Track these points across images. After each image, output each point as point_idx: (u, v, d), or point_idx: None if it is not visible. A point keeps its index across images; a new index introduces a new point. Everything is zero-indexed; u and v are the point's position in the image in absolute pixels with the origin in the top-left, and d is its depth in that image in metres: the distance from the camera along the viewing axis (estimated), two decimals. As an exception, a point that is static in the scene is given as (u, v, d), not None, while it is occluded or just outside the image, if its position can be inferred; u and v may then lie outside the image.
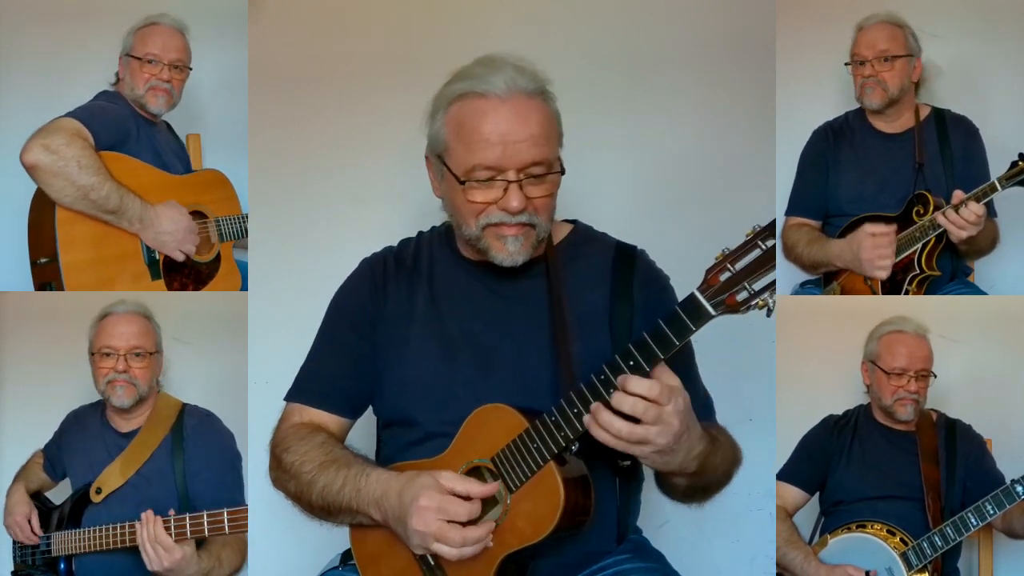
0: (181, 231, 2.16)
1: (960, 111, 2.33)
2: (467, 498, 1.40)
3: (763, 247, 1.22)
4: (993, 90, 2.49)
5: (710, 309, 1.26)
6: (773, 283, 1.22)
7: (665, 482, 1.53)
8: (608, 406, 1.32)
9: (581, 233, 1.67)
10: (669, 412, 1.31)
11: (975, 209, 2.06)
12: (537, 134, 1.46)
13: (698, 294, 1.26)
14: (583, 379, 1.37)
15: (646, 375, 1.32)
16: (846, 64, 2.31)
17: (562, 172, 1.51)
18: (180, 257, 2.17)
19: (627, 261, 1.61)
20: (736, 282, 1.23)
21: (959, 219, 2.08)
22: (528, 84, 1.47)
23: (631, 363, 1.31)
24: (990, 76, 2.50)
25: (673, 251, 1.68)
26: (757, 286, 1.22)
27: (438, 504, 1.39)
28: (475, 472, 1.46)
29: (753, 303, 1.23)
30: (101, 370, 2.12)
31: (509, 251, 1.50)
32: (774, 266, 1.21)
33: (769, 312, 1.23)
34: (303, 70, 2.35)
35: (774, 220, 1.23)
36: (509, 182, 1.46)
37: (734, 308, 1.24)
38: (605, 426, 1.31)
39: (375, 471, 1.51)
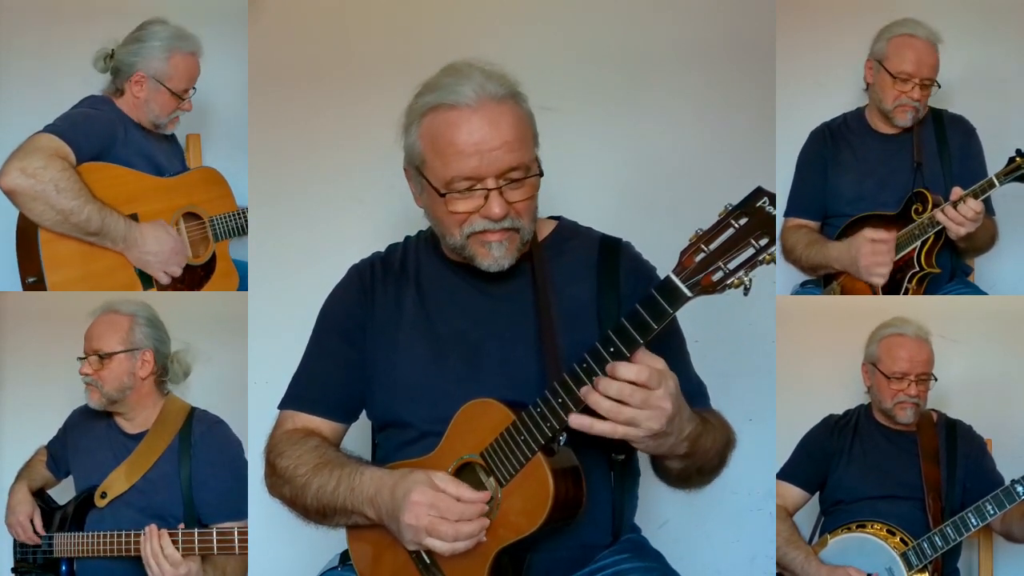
0: (166, 252, 2.13)
1: (963, 111, 2.33)
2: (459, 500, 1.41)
3: (736, 226, 1.21)
4: (994, 90, 2.49)
5: (686, 290, 1.25)
6: (748, 261, 1.21)
7: (659, 466, 1.54)
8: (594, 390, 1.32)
9: (565, 229, 1.68)
10: (659, 395, 1.31)
11: (973, 206, 2.07)
12: (511, 139, 1.47)
13: (673, 276, 1.26)
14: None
15: (627, 360, 1.31)
16: (878, 63, 2.26)
17: (540, 174, 1.52)
18: (165, 280, 2.13)
19: (612, 254, 1.62)
20: (710, 262, 1.23)
21: (957, 215, 2.08)
22: (497, 89, 1.48)
23: (611, 349, 1.31)
24: (991, 76, 2.50)
25: (672, 251, 1.67)
26: (732, 265, 1.21)
27: (430, 500, 1.40)
28: (466, 468, 1.47)
29: (729, 282, 1.22)
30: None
31: (494, 256, 1.51)
32: (750, 243, 1.20)
33: (746, 291, 1.23)
34: (303, 70, 2.35)
35: (746, 198, 1.22)
36: (489, 190, 1.47)
37: (710, 288, 1.23)
38: (596, 408, 1.31)
39: (368, 470, 1.51)
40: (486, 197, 1.47)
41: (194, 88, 2.27)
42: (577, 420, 1.33)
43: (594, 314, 1.56)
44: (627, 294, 1.57)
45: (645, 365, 1.31)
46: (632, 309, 1.30)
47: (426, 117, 1.50)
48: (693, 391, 1.60)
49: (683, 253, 1.26)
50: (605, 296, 1.57)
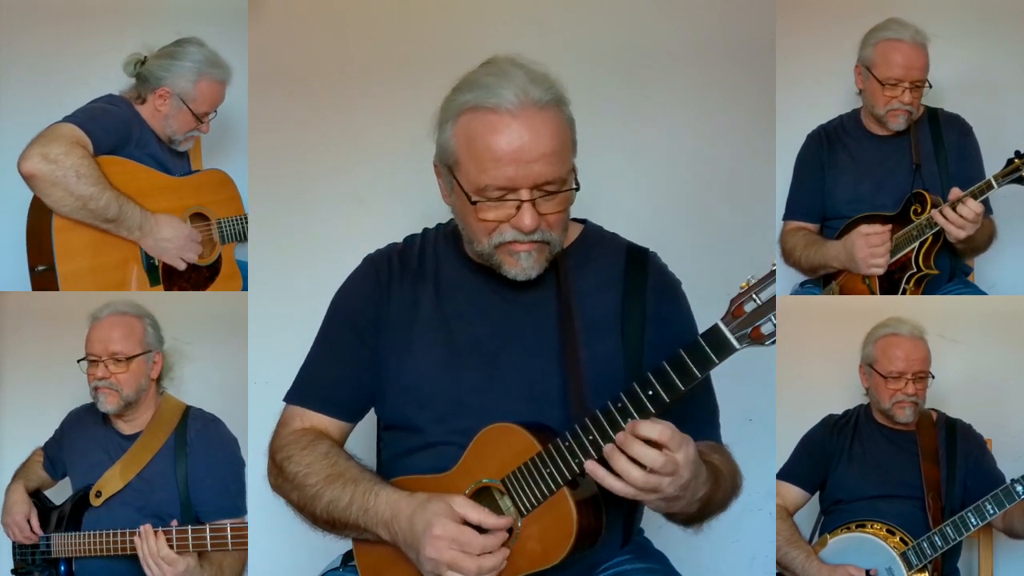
0: (182, 238, 2.15)
1: (961, 112, 2.33)
2: (479, 528, 1.38)
3: None
4: (993, 90, 2.49)
5: (734, 342, 1.21)
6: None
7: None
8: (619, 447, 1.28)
9: (591, 234, 1.63)
10: (680, 462, 1.27)
11: (973, 207, 2.06)
12: (550, 151, 1.40)
13: (722, 326, 1.22)
14: (592, 386, 1.35)
15: (664, 405, 1.28)
16: (867, 68, 2.25)
17: (576, 188, 1.47)
18: (181, 265, 2.16)
19: (639, 265, 1.57)
20: (763, 314, 1.19)
21: (957, 217, 2.07)
22: (541, 95, 1.41)
23: (650, 392, 1.28)
24: (990, 76, 2.50)
25: (672, 251, 1.68)
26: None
27: (453, 535, 1.37)
28: (484, 492, 1.44)
29: (778, 335, 1.19)
30: (89, 377, 2.11)
31: (522, 267, 1.46)
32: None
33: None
34: (303, 70, 2.35)
35: None
36: (522, 201, 1.41)
37: (759, 340, 1.19)
38: (622, 473, 1.27)
39: (384, 490, 1.47)
40: (518, 207, 1.41)
41: (215, 112, 2.28)
42: (592, 468, 1.29)
43: (617, 327, 1.52)
44: (652, 309, 1.53)
45: (668, 425, 1.26)
46: (676, 354, 1.26)
47: (463, 116, 1.42)
48: (706, 419, 1.56)
49: (733, 301, 1.21)
50: (630, 310, 1.52)
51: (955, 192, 2.09)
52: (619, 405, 1.30)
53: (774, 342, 1.19)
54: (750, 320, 1.19)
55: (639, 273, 1.55)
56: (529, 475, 1.37)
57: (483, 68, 1.46)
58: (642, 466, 1.26)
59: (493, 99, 1.40)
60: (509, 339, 1.52)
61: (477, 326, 1.54)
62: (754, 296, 1.19)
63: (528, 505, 1.38)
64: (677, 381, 1.26)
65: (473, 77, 1.45)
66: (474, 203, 1.43)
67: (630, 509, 1.56)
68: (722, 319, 1.22)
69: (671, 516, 1.46)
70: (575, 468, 1.34)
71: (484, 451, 1.43)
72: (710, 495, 1.39)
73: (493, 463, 1.42)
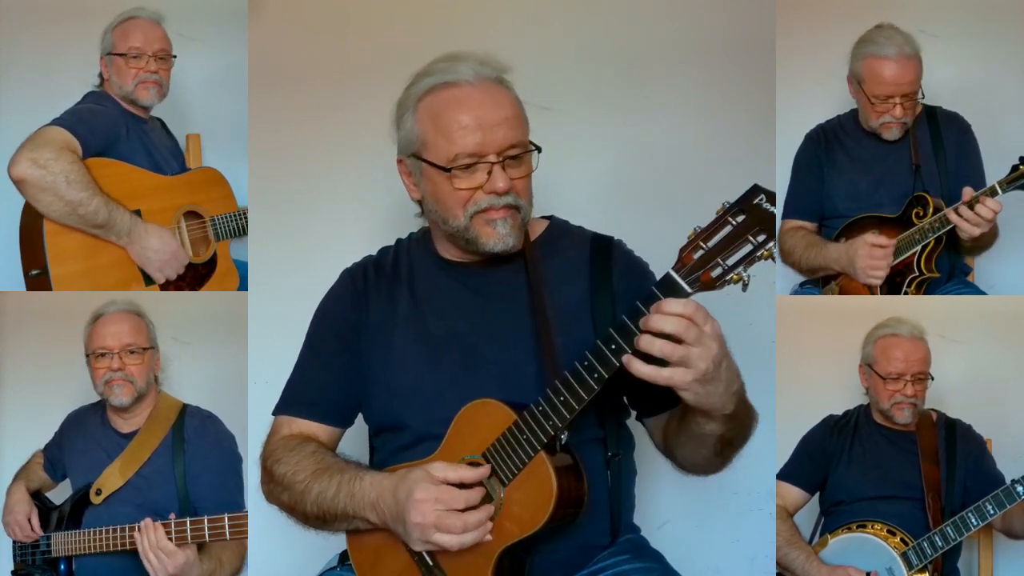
0: (167, 253, 2.14)
1: (960, 112, 2.33)
2: (461, 485, 1.41)
3: (733, 223, 1.22)
4: (993, 91, 2.49)
5: (685, 287, 1.26)
6: (746, 257, 1.22)
7: (697, 433, 1.45)
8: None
9: (557, 228, 1.68)
10: (707, 334, 1.29)
11: (992, 205, 2.03)
12: (511, 116, 1.50)
13: (673, 273, 1.27)
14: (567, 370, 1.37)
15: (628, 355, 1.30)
16: (857, 82, 2.25)
17: (538, 149, 1.54)
18: (160, 279, 2.15)
19: (604, 252, 1.62)
20: (709, 259, 1.24)
21: (973, 216, 2.05)
22: (491, 72, 1.52)
23: (613, 346, 1.31)
24: (990, 77, 2.50)
25: (673, 250, 1.67)
26: (730, 261, 1.23)
27: (434, 495, 1.40)
28: None
29: (728, 278, 1.24)
30: (98, 371, 2.13)
31: (500, 234, 1.51)
32: (748, 240, 1.22)
33: (745, 287, 1.24)
34: (303, 70, 2.35)
35: (743, 195, 1.23)
36: (492, 164, 1.48)
37: (709, 285, 1.25)
38: (646, 347, 1.28)
39: (368, 474, 1.51)
40: (489, 172, 1.48)
41: (174, 56, 2.28)
42: (628, 360, 1.29)
43: (588, 313, 1.56)
44: (620, 292, 1.57)
45: (690, 300, 1.28)
46: (633, 306, 1.30)
47: (424, 100, 1.52)
48: None
49: (682, 250, 1.27)
50: (599, 295, 1.57)
51: (968, 191, 2.07)
52: (585, 364, 1.34)
53: (724, 285, 1.24)
54: (699, 265, 1.25)
55: (604, 259, 1.61)
56: (507, 444, 1.41)
57: (433, 61, 1.56)
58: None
59: (451, 76, 1.51)
60: (485, 332, 1.57)
61: (453, 321, 1.59)
62: (701, 243, 1.25)
63: (509, 474, 1.42)
64: (637, 331, 1.29)
65: (426, 68, 1.56)
66: (448, 171, 1.49)
67: (616, 493, 1.57)
68: (672, 267, 1.28)
69: (703, 435, 1.44)
70: (550, 430, 1.37)
71: (465, 429, 1.47)
72: (742, 392, 1.41)
73: (474, 440, 1.45)
